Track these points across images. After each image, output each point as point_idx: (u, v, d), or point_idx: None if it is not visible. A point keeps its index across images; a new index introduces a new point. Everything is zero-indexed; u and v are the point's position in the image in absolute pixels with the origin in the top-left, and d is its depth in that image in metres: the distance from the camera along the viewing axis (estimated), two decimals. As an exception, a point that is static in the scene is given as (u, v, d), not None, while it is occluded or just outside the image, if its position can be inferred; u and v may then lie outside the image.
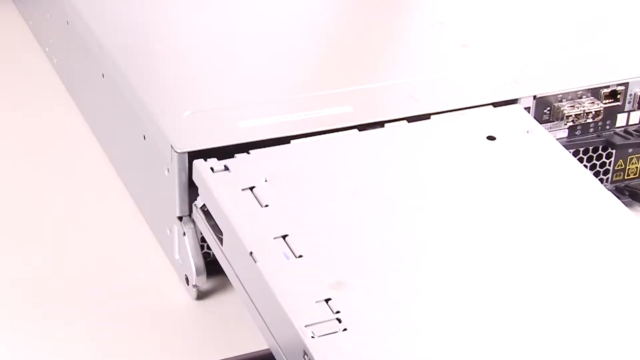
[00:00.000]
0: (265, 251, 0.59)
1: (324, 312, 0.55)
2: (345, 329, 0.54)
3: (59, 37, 0.92)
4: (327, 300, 0.56)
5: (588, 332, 0.55)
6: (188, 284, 0.69)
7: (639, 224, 0.63)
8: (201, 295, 0.70)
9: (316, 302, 0.55)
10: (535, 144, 0.69)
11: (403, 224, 0.62)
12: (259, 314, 0.59)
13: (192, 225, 0.68)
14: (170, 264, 0.71)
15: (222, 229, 0.63)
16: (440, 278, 0.58)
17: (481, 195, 0.64)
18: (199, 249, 0.68)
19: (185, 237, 0.68)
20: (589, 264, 0.60)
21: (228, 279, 0.64)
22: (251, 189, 0.63)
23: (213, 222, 0.64)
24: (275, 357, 0.58)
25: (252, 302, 0.60)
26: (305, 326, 0.54)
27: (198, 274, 0.68)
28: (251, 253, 0.59)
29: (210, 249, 0.68)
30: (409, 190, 0.65)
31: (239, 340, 0.66)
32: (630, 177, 0.79)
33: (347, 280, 0.57)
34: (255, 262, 0.58)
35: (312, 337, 0.53)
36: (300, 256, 0.59)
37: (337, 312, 0.55)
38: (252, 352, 0.64)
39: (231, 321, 0.68)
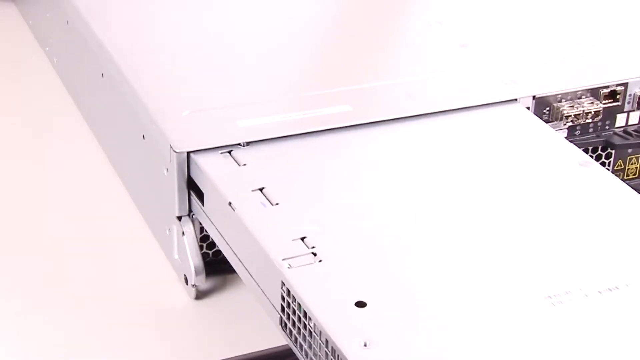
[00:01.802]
0: (243, 201, 0.62)
1: (300, 247, 0.58)
2: (320, 261, 0.57)
3: (59, 37, 0.92)
4: (302, 239, 0.59)
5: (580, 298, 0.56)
6: (187, 284, 0.69)
7: None
8: (200, 295, 0.70)
9: (292, 240, 0.59)
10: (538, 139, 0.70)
11: (384, 187, 0.65)
12: (239, 260, 0.63)
13: (191, 225, 0.68)
14: (169, 263, 0.71)
15: (203, 190, 0.66)
16: (413, 219, 0.61)
17: (473, 178, 0.66)
18: (198, 248, 0.68)
19: (185, 236, 0.68)
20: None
21: (227, 279, 0.64)
22: (229, 152, 0.66)
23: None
24: (256, 297, 0.61)
25: (232, 250, 0.63)
26: (283, 259, 0.57)
27: (197, 273, 0.68)
28: (230, 203, 0.62)
29: (209, 249, 0.68)
30: (399, 167, 0.67)
31: (238, 340, 0.66)
32: (630, 177, 0.79)
33: (322, 222, 0.61)
34: (234, 210, 0.61)
35: (289, 267, 0.57)
36: (277, 204, 0.62)
37: (313, 247, 0.58)
38: (252, 352, 0.65)
39: (230, 321, 0.68)
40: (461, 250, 0.59)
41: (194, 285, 0.69)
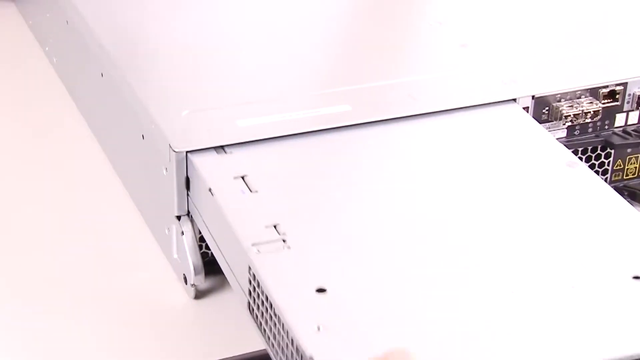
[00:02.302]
0: (223, 188, 0.64)
1: (271, 234, 0.60)
2: (289, 247, 0.59)
3: (58, 37, 0.92)
4: (275, 226, 0.61)
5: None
6: (186, 283, 0.69)
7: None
8: (199, 295, 0.70)
9: (265, 226, 0.61)
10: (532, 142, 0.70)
11: (369, 182, 0.66)
12: (215, 242, 0.65)
13: (190, 225, 0.68)
14: (169, 263, 0.71)
15: (190, 178, 0.67)
16: (390, 213, 0.63)
17: (458, 176, 0.67)
18: (197, 248, 0.68)
19: (184, 236, 0.68)
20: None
21: (227, 278, 0.64)
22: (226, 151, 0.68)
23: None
24: (229, 281, 0.64)
25: (210, 232, 0.66)
26: (252, 244, 0.59)
27: (196, 273, 0.68)
28: (210, 189, 0.64)
29: (209, 249, 0.68)
30: (387, 162, 0.68)
31: (238, 339, 0.66)
32: (629, 177, 0.78)
33: (298, 212, 0.62)
34: (213, 195, 0.63)
35: (257, 252, 0.59)
36: (256, 191, 0.64)
37: (284, 234, 0.60)
38: (251, 352, 0.64)
39: (229, 321, 0.68)
40: (434, 244, 0.60)
41: (193, 285, 0.69)
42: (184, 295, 0.70)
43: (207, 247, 0.69)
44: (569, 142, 0.75)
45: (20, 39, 1.01)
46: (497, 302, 0.56)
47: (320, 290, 0.56)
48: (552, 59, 0.78)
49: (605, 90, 0.76)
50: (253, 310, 0.59)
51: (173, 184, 0.67)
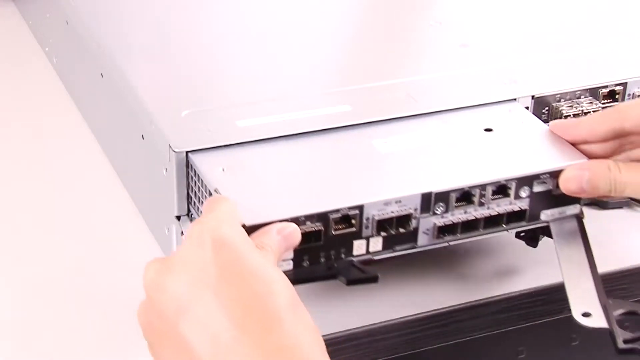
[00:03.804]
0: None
1: None
2: None
3: (58, 37, 0.92)
4: None
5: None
6: (186, 283, 0.69)
7: None
8: (199, 295, 0.70)
9: None
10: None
11: None
12: None
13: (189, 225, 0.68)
14: (169, 263, 0.71)
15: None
16: None
17: None
18: (197, 248, 0.68)
19: (184, 236, 0.68)
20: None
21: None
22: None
23: None
24: None
25: None
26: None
27: (196, 273, 0.68)
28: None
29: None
30: None
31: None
32: (629, 177, 0.78)
33: None
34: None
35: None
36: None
37: None
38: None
39: (229, 320, 0.68)
40: None
41: (193, 285, 0.69)
42: (184, 295, 0.70)
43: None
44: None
45: (20, 39, 1.01)
46: None
47: None
48: (552, 59, 0.78)
49: (605, 91, 0.76)
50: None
51: (173, 184, 0.67)
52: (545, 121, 0.73)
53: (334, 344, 0.66)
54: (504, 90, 0.74)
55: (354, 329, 0.66)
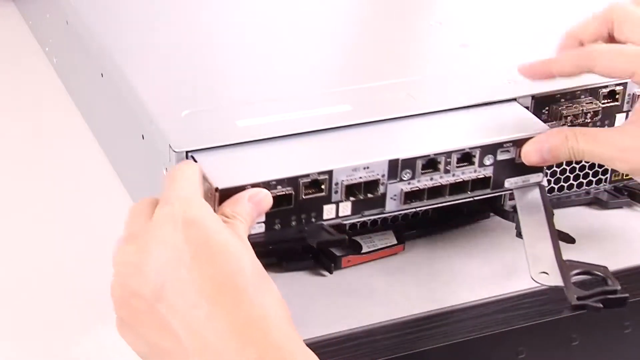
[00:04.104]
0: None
1: None
2: None
3: (58, 37, 0.92)
4: None
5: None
6: (186, 283, 0.69)
7: None
8: (199, 295, 0.70)
9: None
10: None
11: None
12: None
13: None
14: (169, 263, 0.71)
15: None
16: None
17: None
18: (197, 248, 0.68)
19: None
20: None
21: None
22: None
23: None
24: None
25: None
26: None
27: (196, 273, 0.68)
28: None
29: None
30: None
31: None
32: (629, 177, 0.79)
33: None
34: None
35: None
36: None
37: None
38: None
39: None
40: None
41: (193, 285, 0.69)
42: (184, 295, 0.70)
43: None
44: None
45: (20, 39, 1.01)
46: None
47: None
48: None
49: (605, 90, 0.76)
50: None
51: (173, 184, 0.67)
52: (545, 121, 0.73)
53: (334, 344, 0.66)
54: (504, 90, 0.74)
55: (354, 329, 0.66)
